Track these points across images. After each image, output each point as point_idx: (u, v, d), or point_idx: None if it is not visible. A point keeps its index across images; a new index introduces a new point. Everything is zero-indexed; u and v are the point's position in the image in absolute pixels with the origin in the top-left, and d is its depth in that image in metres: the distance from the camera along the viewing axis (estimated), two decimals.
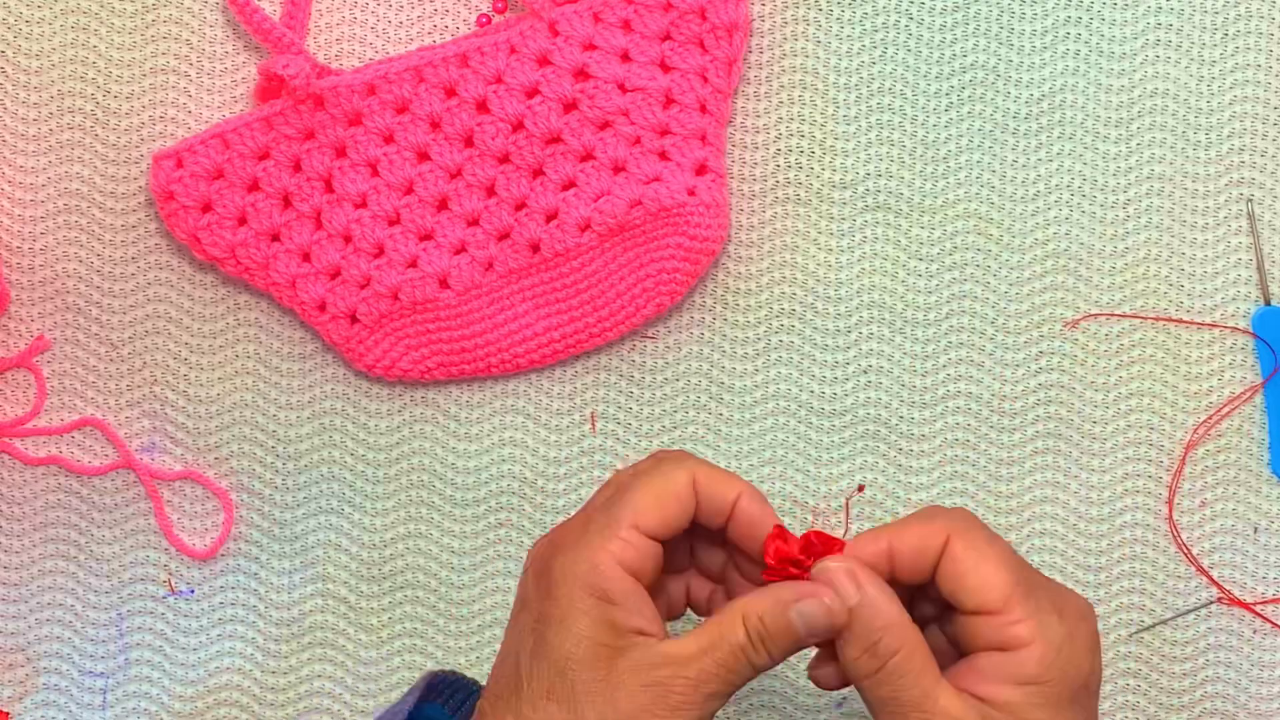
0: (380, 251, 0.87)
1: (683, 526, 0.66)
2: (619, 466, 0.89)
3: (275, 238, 0.87)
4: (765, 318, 0.89)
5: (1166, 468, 0.88)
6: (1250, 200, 0.87)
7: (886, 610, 0.64)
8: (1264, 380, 0.87)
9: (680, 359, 0.89)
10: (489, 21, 0.89)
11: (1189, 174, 0.88)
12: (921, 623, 0.66)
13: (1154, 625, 0.87)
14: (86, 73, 0.89)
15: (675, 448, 0.89)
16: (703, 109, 0.86)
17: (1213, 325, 0.88)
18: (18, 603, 0.90)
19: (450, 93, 0.86)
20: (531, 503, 0.89)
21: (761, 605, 0.64)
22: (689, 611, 0.72)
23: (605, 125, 0.86)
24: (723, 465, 0.88)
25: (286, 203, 0.87)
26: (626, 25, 0.86)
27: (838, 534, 0.67)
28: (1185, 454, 0.87)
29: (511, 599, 0.74)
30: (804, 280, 0.88)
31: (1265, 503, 0.87)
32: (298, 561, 0.90)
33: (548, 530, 0.71)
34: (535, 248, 0.87)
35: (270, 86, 0.87)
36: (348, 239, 0.87)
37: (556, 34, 0.86)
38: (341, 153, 0.87)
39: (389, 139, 0.86)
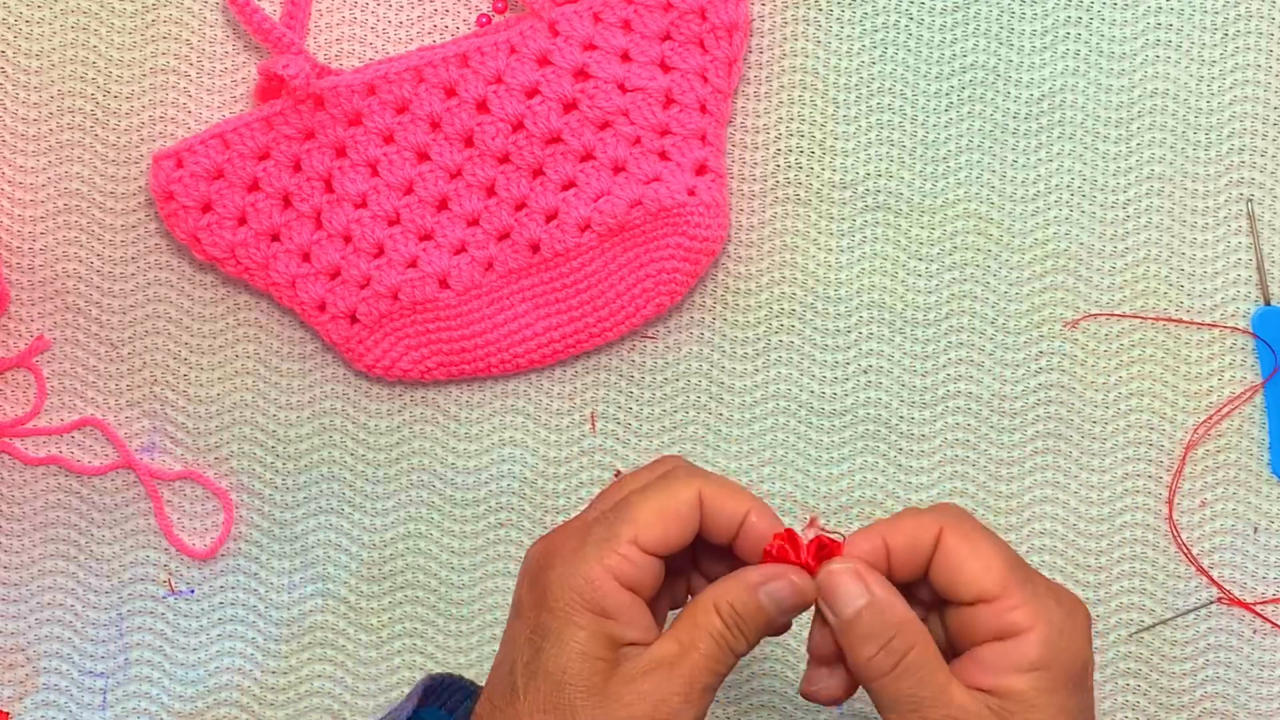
0: (380, 251, 0.87)
1: (685, 543, 0.66)
2: (619, 467, 0.89)
3: (275, 238, 0.87)
4: (765, 318, 0.89)
5: (1166, 468, 0.88)
6: (1250, 200, 0.87)
7: (897, 607, 0.64)
8: (1264, 380, 0.87)
9: (680, 359, 0.89)
10: (489, 21, 0.89)
11: (1189, 174, 0.88)
12: None
13: (1154, 625, 0.87)
14: (86, 73, 0.89)
15: (676, 449, 0.89)
16: (703, 109, 0.86)
17: (1213, 325, 0.88)
18: (18, 603, 0.90)
19: (450, 93, 0.86)
20: (531, 503, 0.89)
21: (731, 592, 0.64)
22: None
23: (605, 125, 0.86)
24: (723, 465, 0.88)
25: (286, 203, 0.87)
26: (626, 25, 0.86)
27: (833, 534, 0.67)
28: (1185, 454, 0.87)
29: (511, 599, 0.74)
30: (804, 280, 0.88)
31: (1265, 503, 0.87)
32: (298, 561, 0.90)
33: (548, 530, 0.70)
34: (535, 248, 0.87)
35: (270, 86, 0.87)
36: (348, 239, 0.87)
37: (556, 34, 0.86)
38: (341, 153, 0.87)
39: (389, 139, 0.86)
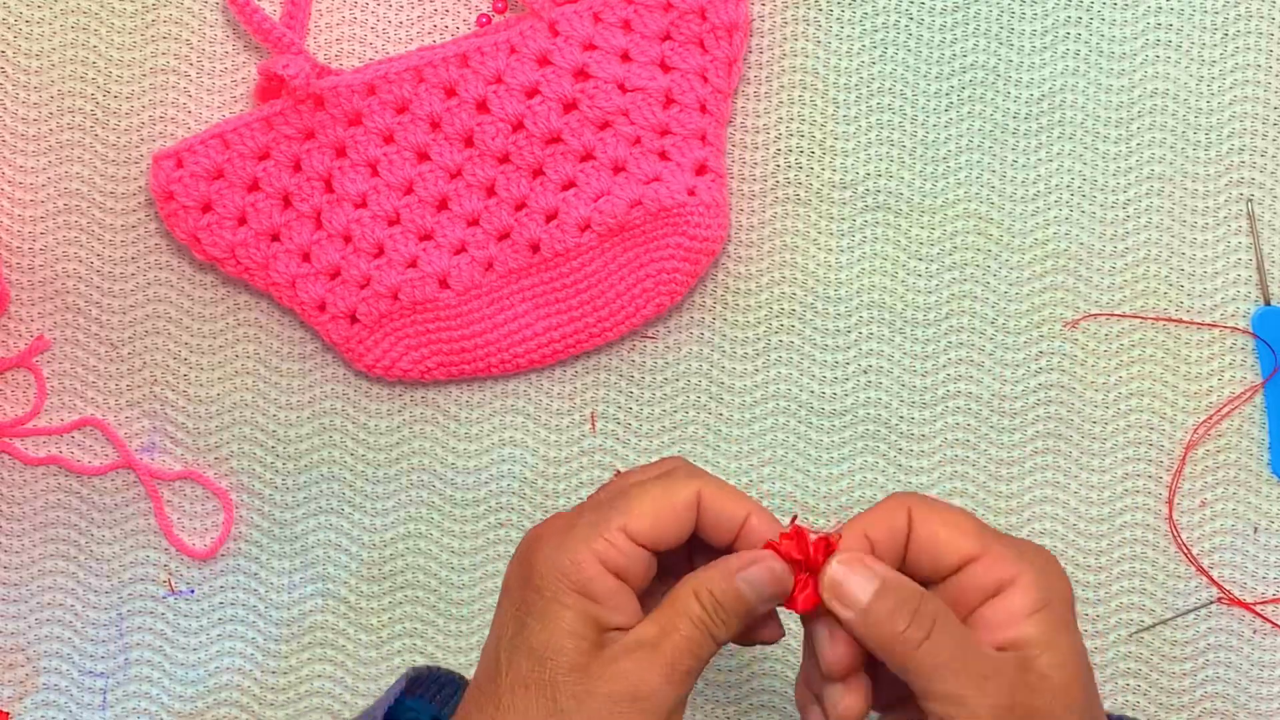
0: (380, 251, 0.87)
1: (677, 541, 0.66)
2: (619, 467, 0.89)
3: (275, 238, 0.87)
4: (765, 318, 0.89)
5: (1166, 468, 0.88)
6: (1250, 200, 0.87)
7: (908, 582, 0.64)
8: (1264, 380, 0.87)
9: (680, 359, 0.89)
10: (489, 21, 0.89)
11: (1189, 174, 0.88)
12: None
13: (1154, 625, 0.87)
14: (86, 73, 0.89)
15: (676, 449, 0.89)
16: (703, 109, 0.86)
17: (1213, 325, 0.88)
18: (18, 603, 0.90)
19: (450, 93, 0.86)
20: (531, 503, 0.89)
21: (711, 578, 0.65)
22: None
23: (605, 125, 0.86)
24: (723, 465, 0.88)
25: (286, 203, 0.87)
26: (626, 25, 0.86)
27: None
28: (1185, 454, 0.87)
29: None
30: (804, 280, 0.88)
31: (1265, 503, 0.87)
32: (298, 561, 0.90)
33: None
34: (535, 248, 0.87)
35: (270, 86, 0.87)
36: (348, 239, 0.87)
37: (556, 34, 0.86)
38: (341, 153, 0.87)
39: (389, 139, 0.86)
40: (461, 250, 0.87)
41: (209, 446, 0.90)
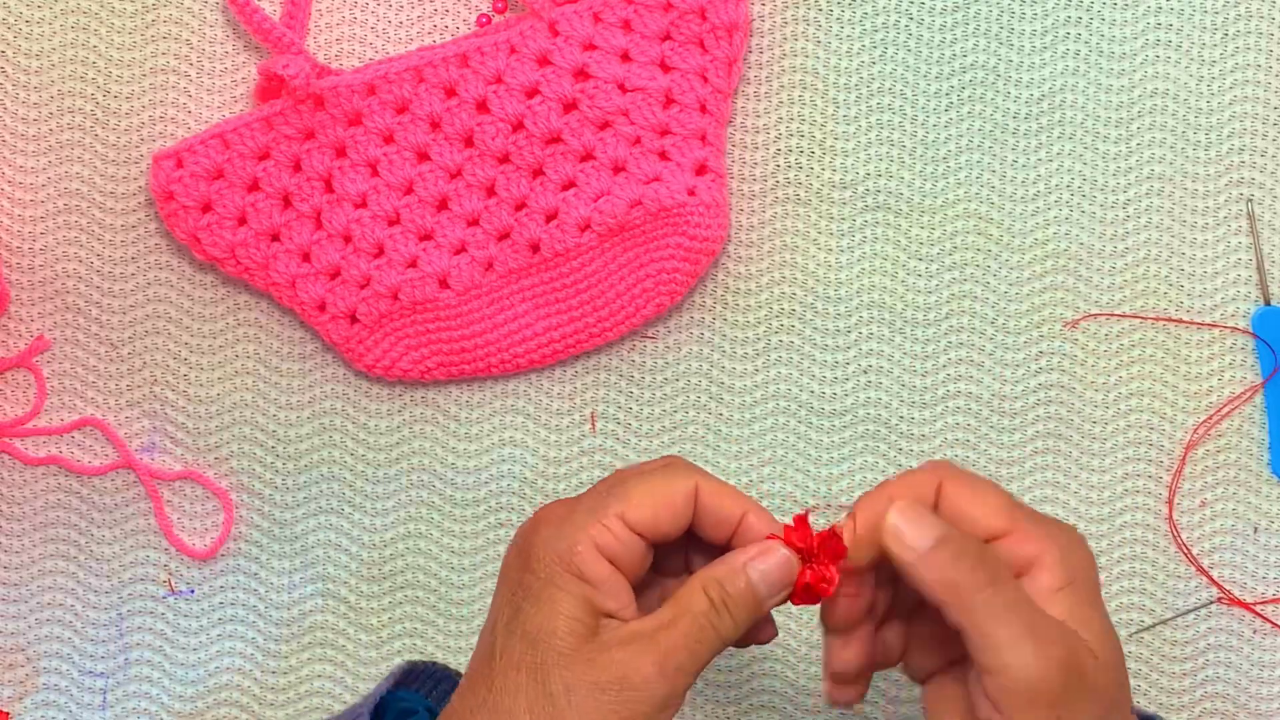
0: (380, 251, 0.87)
1: (674, 533, 0.66)
2: (619, 467, 0.89)
3: (275, 238, 0.87)
4: (765, 318, 0.89)
5: (1166, 468, 0.88)
6: (1250, 200, 0.87)
7: (968, 535, 0.63)
8: (1264, 380, 0.87)
9: (680, 359, 0.89)
10: (489, 21, 0.89)
11: (1189, 174, 0.88)
12: None
13: (1154, 625, 0.87)
14: (86, 73, 0.89)
15: (676, 449, 0.89)
16: (703, 109, 0.86)
17: (1213, 325, 0.88)
18: (18, 603, 0.90)
19: (450, 93, 0.86)
20: (531, 503, 0.89)
21: (719, 572, 0.65)
22: None
23: (605, 125, 0.86)
24: (723, 465, 0.88)
25: (286, 203, 0.87)
26: (626, 25, 0.86)
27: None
28: (1185, 454, 0.87)
29: None
30: (804, 280, 0.88)
31: (1265, 503, 0.87)
32: (298, 561, 0.90)
33: None
34: (535, 248, 0.87)
35: (270, 86, 0.87)
36: (348, 239, 0.87)
37: (556, 34, 0.86)
38: (341, 153, 0.87)
39: (389, 139, 0.86)
40: (461, 250, 0.87)
41: (209, 446, 0.90)
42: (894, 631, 0.68)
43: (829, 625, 0.66)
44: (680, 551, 0.69)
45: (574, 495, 0.88)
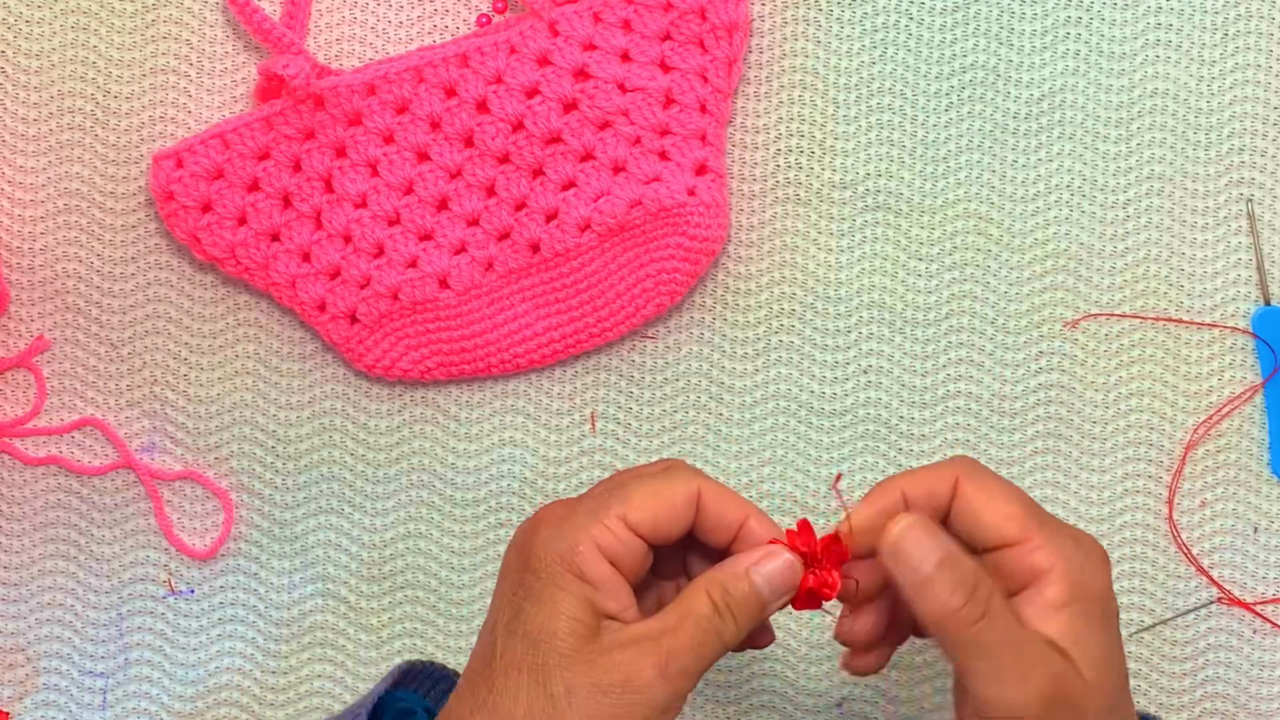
0: (380, 251, 0.87)
1: (674, 535, 0.66)
2: (619, 467, 0.89)
3: (275, 238, 0.87)
4: (765, 318, 0.89)
5: (1166, 468, 0.88)
6: (1250, 200, 0.87)
7: (968, 558, 0.63)
8: (1264, 380, 0.87)
9: (680, 359, 0.89)
10: (489, 21, 0.89)
11: (1189, 174, 0.88)
12: None
13: (1154, 625, 0.87)
14: (86, 73, 0.89)
15: (676, 449, 0.89)
16: (703, 109, 0.86)
17: (1213, 325, 0.88)
18: (18, 603, 0.90)
19: (450, 93, 0.86)
20: (531, 503, 0.89)
21: (723, 575, 0.65)
22: None
23: (605, 125, 0.86)
24: (723, 465, 0.88)
25: (286, 203, 0.87)
26: (626, 25, 0.86)
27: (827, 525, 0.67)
28: (1185, 454, 0.87)
29: None
30: (804, 280, 0.88)
31: (1265, 503, 0.87)
32: (298, 561, 0.90)
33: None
34: (535, 248, 0.87)
35: (270, 86, 0.87)
36: (348, 239, 0.87)
37: (556, 34, 0.86)
38: (341, 153, 0.87)
39: (389, 139, 0.86)
40: (461, 250, 0.87)
41: (209, 446, 0.90)
42: (901, 613, 0.68)
43: (845, 600, 0.67)
44: (678, 555, 0.69)
45: (574, 495, 0.89)
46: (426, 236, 0.87)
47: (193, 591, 0.90)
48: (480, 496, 0.89)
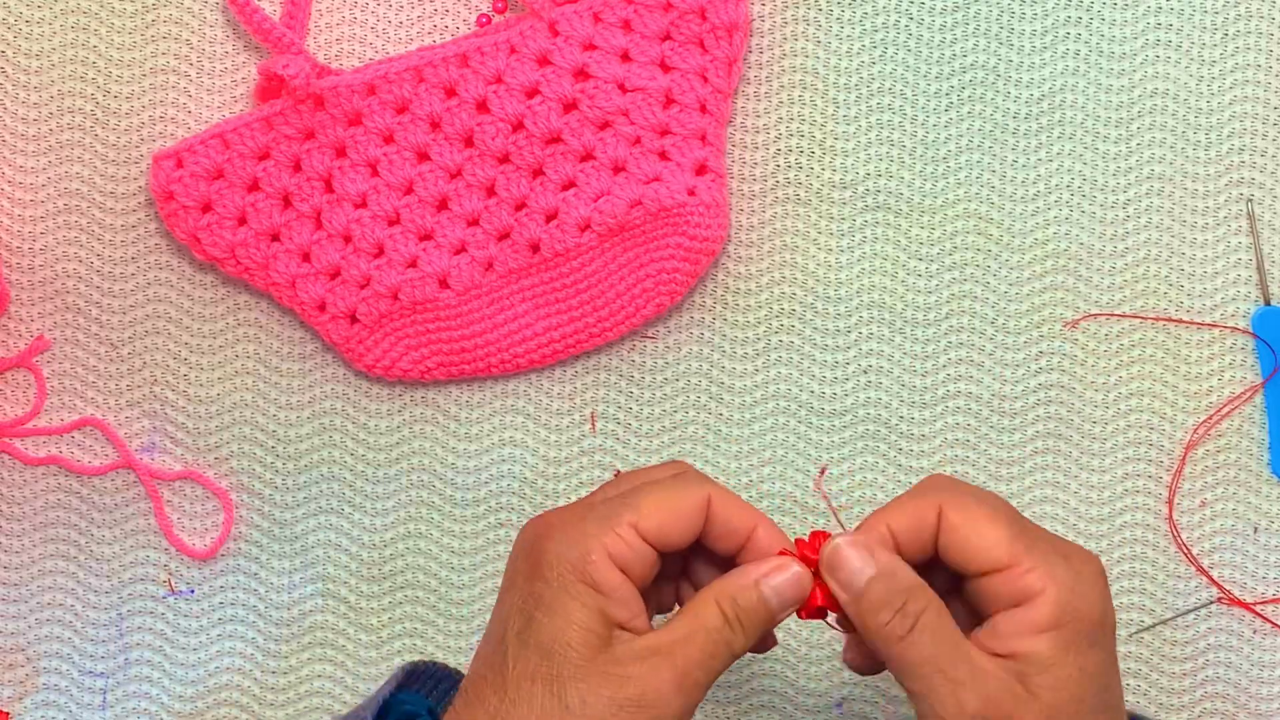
0: (380, 251, 0.87)
1: (683, 543, 0.66)
2: (619, 467, 0.89)
3: (275, 238, 0.87)
4: (765, 318, 0.89)
5: (1166, 468, 0.88)
6: (1250, 200, 0.88)
7: (904, 573, 0.64)
8: (1264, 380, 0.87)
9: (680, 359, 0.89)
10: (489, 21, 0.89)
11: (1189, 174, 0.88)
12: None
13: (1154, 625, 0.87)
14: (86, 73, 0.89)
15: (676, 449, 0.89)
16: (703, 109, 0.86)
17: (1213, 325, 0.88)
18: (18, 603, 0.90)
19: (450, 93, 0.86)
20: (531, 503, 0.89)
21: (732, 587, 0.65)
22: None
23: (605, 125, 0.86)
24: (723, 465, 0.88)
25: (286, 203, 0.87)
26: (626, 25, 0.86)
27: (829, 523, 0.67)
28: (1185, 454, 0.87)
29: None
30: (804, 280, 0.88)
31: (1265, 503, 0.87)
32: (298, 561, 0.90)
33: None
34: (535, 248, 0.87)
35: (270, 86, 0.87)
36: (348, 239, 0.87)
37: (556, 34, 0.86)
38: (341, 153, 0.87)
39: (389, 139, 0.86)
40: (461, 250, 0.87)
41: (209, 446, 0.90)
42: None
43: (844, 628, 0.67)
44: (679, 557, 0.69)
45: (575, 496, 0.89)
46: (426, 236, 0.87)
47: (193, 591, 0.90)
48: (480, 496, 0.89)
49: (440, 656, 0.89)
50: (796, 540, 0.66)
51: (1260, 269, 0.87)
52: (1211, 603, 0.87)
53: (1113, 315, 0.88)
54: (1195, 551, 0.87)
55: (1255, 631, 0.87)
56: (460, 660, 0.89)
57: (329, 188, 0.87)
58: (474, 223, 0.87)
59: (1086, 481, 0.88)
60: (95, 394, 0.90)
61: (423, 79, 0.86)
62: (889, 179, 0.88)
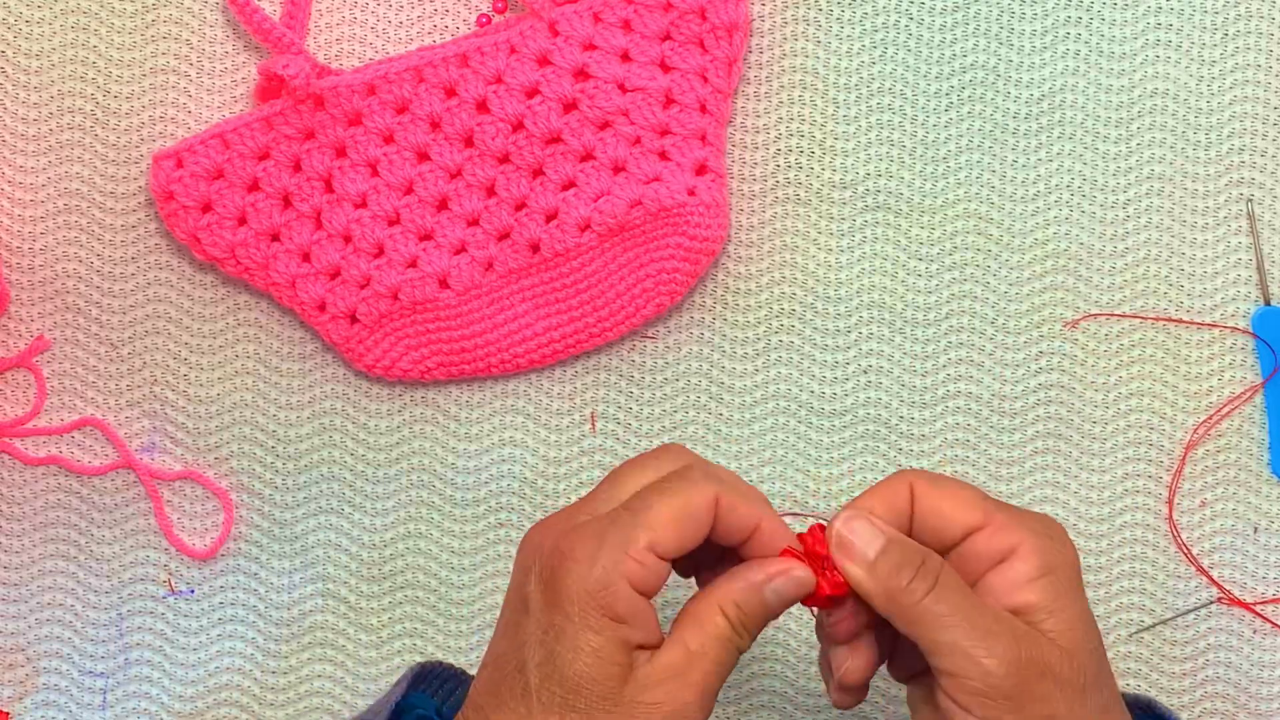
0: (380, 251, 0.87)
1: (694, 547, 0.66)
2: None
3: (275, 238, 0.87)
4: (765, 318, 0.89)
5: (1166, 468, 0.88)
6: (1250, 200, 0.87)
7: (912, 541, 0.65)
8: (1264, 380, 0.87)
9: (680, 359, 0.89)
10: (489, 21, 0.89)
11: (1189, 174, 0.88)
12: None
13: (1154, 625, 0.87)
14: (86, 73, 0.89)
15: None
16: (703, 109, 0.86)
17: (1213, 325, 0.88)
18: (18, 603, 0.90)
19: (450, 93, 0.86)
20: (531, 503, 0.89)
21: (734, 592, 0.65)
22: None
23: (605, 125, 0.86)
24: (723, 466, 0.88)
25: (286, 203, 0.87)
26: (626, 25, 0.86)
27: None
28: (1185, 454, 0.87)
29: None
30: (804, 280, 0.88)
31: (1265, 503, 0.87)
32: (298, 561, 0.90)
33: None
34: (535, 248, 0.87)
35: (270, 86, 0.87)
36: (348, 239, 0.87)
37: (556, 34, 0.86)
38: (341, 153, 0.87)
39: (389, 139, 0.86)
40: (461, 250, 0.87)
41: (209, 446, 0.90)
42: (882, 634, 0.68)
43: (836, 639, 0.67)
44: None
45: (575, 496, 0.89)
46: (426, 236, 0.87)
47: (193, 591, 0.90)
48: (480, 496, 0.89)
49: (440, 656, 0.89)
50: (799, 536, 0.66)
51: (1260, 269, 0.87)
52: (1211, 603, 0.87)
53: (1113, 315, 0.88)
54: (1195, 551, 0.87)
55: (1255, 631, 0.87)
56: (460, 661, 0.89)
57: (329, 188, 0.87)
58: (474, 223, 0.87)
59: (1086, 481, 0.88)
60: (95, 394, 0.90)
61: (423, 79, 0.86)
62: (889, 179, 0.88)
